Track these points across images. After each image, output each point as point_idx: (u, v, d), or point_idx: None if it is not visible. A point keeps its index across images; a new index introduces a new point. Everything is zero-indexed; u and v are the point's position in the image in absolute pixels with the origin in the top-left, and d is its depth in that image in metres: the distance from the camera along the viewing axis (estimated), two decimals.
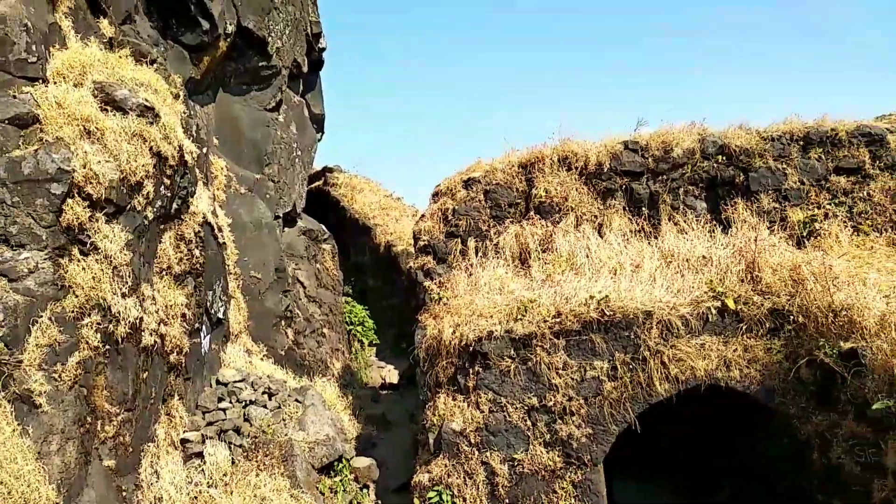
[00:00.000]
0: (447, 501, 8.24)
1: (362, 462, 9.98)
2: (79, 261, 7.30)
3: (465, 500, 8.27)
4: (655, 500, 10.88)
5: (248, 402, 9.52)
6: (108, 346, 7.34)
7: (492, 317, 8.67)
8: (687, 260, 8.87)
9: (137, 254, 8.05)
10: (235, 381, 9.89)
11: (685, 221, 9.96)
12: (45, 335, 6.84)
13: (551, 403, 8.31)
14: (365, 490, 9.88)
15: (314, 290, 14.05)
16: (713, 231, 9.68)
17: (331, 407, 11.38)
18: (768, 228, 9.66)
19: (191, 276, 9.56)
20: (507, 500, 8.26)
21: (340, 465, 9.46)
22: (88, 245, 7.40)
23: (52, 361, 6.85)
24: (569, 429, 8.24)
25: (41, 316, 6.88)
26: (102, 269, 7.44)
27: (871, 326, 6.47)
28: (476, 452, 8.43)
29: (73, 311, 7.13)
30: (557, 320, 8.37)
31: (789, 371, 7.75)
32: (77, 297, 7.19)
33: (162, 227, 9.00)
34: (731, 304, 8.09)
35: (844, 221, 9.61)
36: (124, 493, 7.25)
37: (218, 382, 9.92)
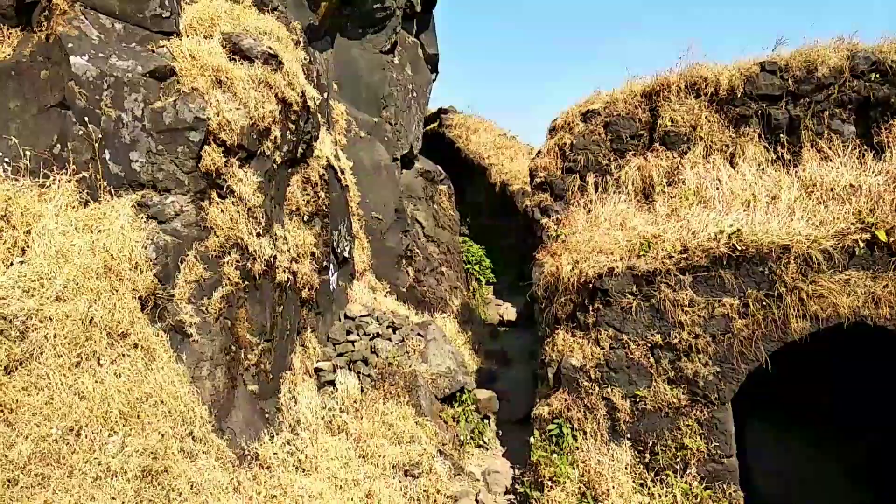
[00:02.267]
0: (567, 434, 8.32)
1: (483, 394, 10.26)
2: (217, 203, 7.85)
3: (585, 433, 8.31)
4: (790, 448, 10.41)
5: (374, 336, 9.98)
6: (247, 282, 7.91)
7: (612, 253, 8.46)
8: (831, 189, 8.14)
9: (268, 196, 8.51)
10: (362, 316, 10.38)
11: (830, 148, 9.10)
12: (192, 272, 7.47)
13: (676, 341, 8.06)
14: (486, 420, 10.18)
15: (432, 230, 14.32)
16: (863, 157, 8.79)
17: (451, 341, 11.71)
18: None
19: (317, 216, 10.02)
20: (628, 435, 8.22)
21: (463, 396, 9.78)
22: (225, 189, 7.92)
23: (199, 296, 7.49)
24: (694, 367, 7.99)
25: (188, 255, 7.50)
26: (238, 211, 7.96)
27: None
28: (596, 388, 8.39)
29: (215, 250, 7.72)
30: (683, 256, 8.02)
31: None
32: (218, 237, 7.76)
33: (289, 170, 9.45)
34: (882, 235, 7.37)
35: None
36: (267, 415, 7.91)
37: (346, 317, 10.46)
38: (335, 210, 10.62)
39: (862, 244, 7.47)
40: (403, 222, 12.87)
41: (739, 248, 7.77)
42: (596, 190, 10.04)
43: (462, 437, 9.33)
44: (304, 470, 7.57)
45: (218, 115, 7.73)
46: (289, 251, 8.76)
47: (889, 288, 7.37)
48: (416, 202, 14.21)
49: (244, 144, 8.03)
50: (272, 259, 8.13)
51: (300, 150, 9.59)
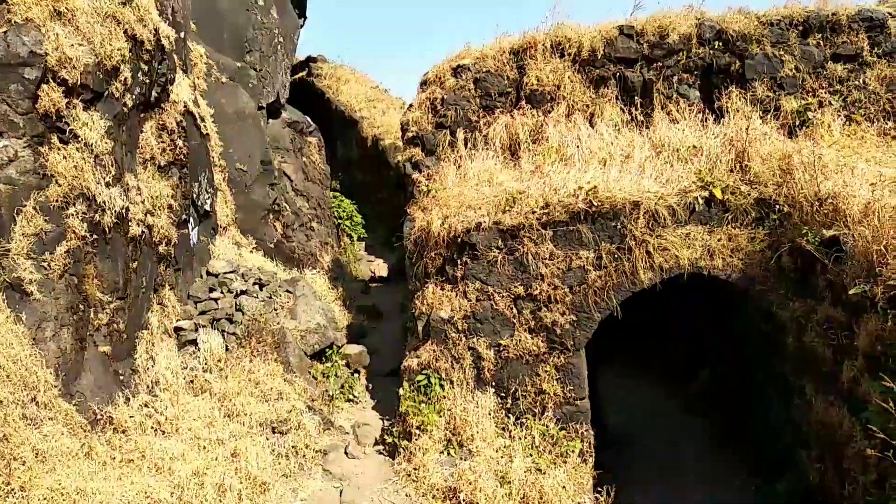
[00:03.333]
0: (435, 384, 8.57)
1: (353, 349, 10.29)
2: (59, 149, 7.16)
3: (452, 382, 8.60)
4: (636, 389, 11.41)
5: (239, 293, 9.65)
6: (95, 236, 7.32)
7: (480, 208, 8.67)
8: (677, 150, 8.80)
9: (119, 143, 7.87)
10: (226, 273, 9.98)
11: (678, 111, 9.80)
12: (30, 224, 6.80)
13: (537, 292, 8.48)
14: (356, 375, 10.25)
15: (301, 184, 13.92)
16: (706, 121, 9.55)
17: (321, 298, 11.58)
18: (761, 118, 9.54)
19: (175, 166, 9.42)
20: (492, 383, 8.60)
21: (331, 352, 9.75)
22: (68, 133, 7.22)
23: (40, 250, 6.85)
24: (553, 316, 8.45)
25: (25, 205, 6.81)
26: (84, 158, 7.30)
27: (855, 214, 6.53)
28: (463, 338, 8.68)
29: (57, 201, 7.06)
30: (545, 211, 8.39)
31: (771, 260, 7.90)
32: (60, 186, 7.10)
33: (142, 115, 8.76)
34: (718, 193, 8.10)
35: (838, 111, 9.49)
36: (122, 377, 7.47)
37: (209, 273, 10.01)
38: (195, 160, 10.02)
39: (701, 201, 8.18)
40: (270, 175, 12.40)
41: (595, 204, 8.24)
42: (466, 146, 10.18)
43: (332, 393, 9.34)
44: (164, 432, 7.26)
45: (57, 50, 6.97)
46: (143, 203, 8.19)
47: (722, 241, 8.14)
48: (283, 154, 13.71)
49: (89, 84, 7.32)
50: (124, 211, 7.56)
51: (154, 93, 8.91)
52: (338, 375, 9.62)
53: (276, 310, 9.75)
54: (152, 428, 7.25)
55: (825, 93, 9.66)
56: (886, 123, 9.58)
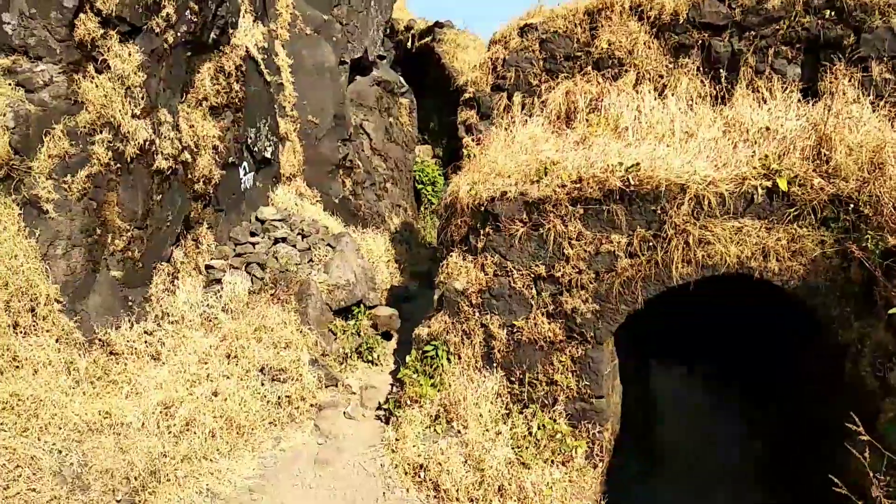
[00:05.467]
0: (442, 356, 8.13)
1: (384, 311, 10.07)
2: (93, 78, 7.46)
3: (460, 357, 8.11)
4: (704, 404, 10.25)
5: (277, 240, 9.73)
6: (119, 165, 7.60)
7: (509, 177, 8.00)
8: (747, 131, 7.53)
9: (156, 78, 8.09)
10: (273, 220, 10.10)
11: (768, 89, 8.40)
12: (56, 146, 7.16)
13: (559, 274, 7.71)
14: (383, 338, 10.02)
15: (381, 143, 13.82)
16: (800, 102, 8.11)
17: (372, 257, 11.46)
18: (872, 103, 7.92)
19: (229, 109, 9.61)
20: (502, 364, 8.01)
21: (358, 311, 9.58)
22: (100, 63, 7.51)
23: (62, 172, 7.21)
24: (574, 302, 7.66)
25: (54, 128, 7.18)
26: (115, 88, 7.57)
27: None
28: (476, 313, 8.13)
29: (85, 127, 7.39)
30: (577, 186, 7.55)
31: (839, 269, 6.57)
32: (89, 113, 7.42)
33: (195, 56, 8.96)
34: (783, 184, 6.83)
35: None
36: (131, 304, 7.76)
37: (256, 219, 10.19)
38: (253, 106, 10.17)
39: (761, 191, 6.94)
40: (343, 130, 12.38)
41: (634, 184, 7.27)
42: (522, 110, 9.46)
43: (347, 351, 9.19)
44: (158, 361, 7.47)
45: None
46: (179, 139, 8.40)
47: (782, 241, 6.89)
48: (366, 112, 13.65)
49: (125, 17, 7.56)
50: (147, 143, 7.78)
51: (211, 35, 9.08)
52: (359, 335, 9.45)
53: (311, 261, 9.74)
54: (149, 355, 7.48)
55: None
56: None
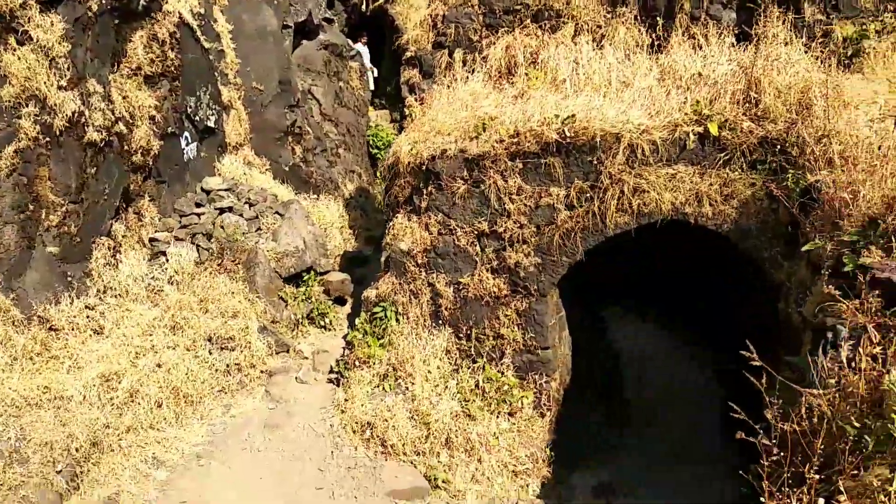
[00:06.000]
0: (391, 317, 8.17)
1: (336, 276, 10.07)
2: (14, 50, 7.22)
3: (408, 317, 8.17)
4: (668, 355, 10.41)
5: (224, 210, 9.62)
6: (48, 138, 7.41)
7: (449, 135, 7.97)
8: (680, 77, 7.56)
9: (83, 47, 7.86)
10: (219, 190, 9.97)
11: (703, 35, 8.41)
12: None
13: (502, 230, 7.76)
14: (335, 303, 10.04)
15: (331, 108, 13.63)
16: (733, 47, 8.14)
17: (324, 224, 11.40)
18: (805, 46, 7.98)
19: (165, 78, 9.38)
20: (449, 321, 8.08)
21: (308, 277, 9.57)
22: (21, 34, 7.27)
23: None
24: (517, 257, 7.73)
25: None
26: (38, 60, 7.34)
27: (834, 156, 5.28)
28: (423, 273, 8.17)
29: (9, 101, 7.18)
30: (514, 141, 7.55)
31: (769, 211, 6.70)
32: (13, 86, 7.20)
33: (124, 23, 8.71)
34: (714, 129, 6.90)
35: None
36: (70, 279, 7.65)
37: (202, 190, 10.05)
38: (191, 73, 9.94)
39: (693, 137, 7.01)
40: (290, 96, 12.18)
41: (569, 136, 7.30)
42: (464, 67, 9.37)
43: (298, 317, 9.19)
44: (101, 335, 7.41)
45: None
46: (111, 110, 8.20)
47: (714, 186, 6.99)
48: (314, 77, 13.42)
49: None
50: (77, 115, 7.58)
51: (140, 2, 8.81)
52: (310, 301, 9.45)
53: (259, 230, 9.66)
54: (91, 330, 7.41)
55: (891, 16, 7.92)
56: None
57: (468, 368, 7.89)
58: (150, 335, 7.53)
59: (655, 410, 9.23)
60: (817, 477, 3.16)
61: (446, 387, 7.54)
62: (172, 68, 9.41)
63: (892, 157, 4.84)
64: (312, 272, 9.68)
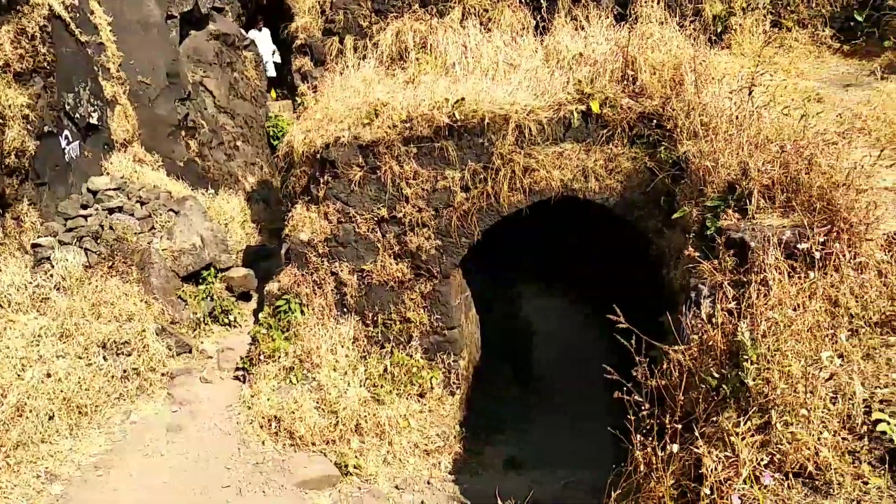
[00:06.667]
0: (295, 309, 8.10)
1: (238, 272, 9.86)
2: None
3: (313, 308, 8.12)
4: (569, 317, 10.79)
5: (113, 210, 9.20)
6: None
7: (342, 122, 7.93)
8: (564, 58, 7.82)
9: None
10: (107, 189, 9.51)
11: (585, 16, 8.71)
12: None
13: (401, 215, 7.82)
14: (245, 299, 9.84)
15: (226, 100, 13.24)
16: (613, 27, 8.47)
17: (225, 219, 11.12)
18: (680, 25, 8.41)
19: (38, 74, 8.85)
20: (355, 309, 8.10)
21: (208, 274, 9.32)
22: None
23: None
24: (418, 241, 7.82)
25: None
26: None
27: (697, 126, 5.64)
28: (325, 263, 8.13)
29: None
30: (407, 125, 7.61)
31: (650, 183, 7.05)
32: None
33: None
34: (595, 107, 7.19)
35: (764, 15, 8.32)
36: None
37: (88, 190, 9.57)
38: (69, 69, 9.41)
39: (577, 116, 7.28)
40: (179, 89, 11.73)
41: (460, 118, 7.42)
42: (355, 53, 9.33)
43: (200, 316, 8.95)
44: None
45: None
46: None
47: (600, 161, 7.29)
48: (206, 68, 12.98)
49: None
50: None
51: None
52: (212, 299, 9.21)
53: (152, 229, 9.31)
54: None
55: None
56: (822, 30, 8.40)
57: (376, 354, 7.95)
58: (37, 345, 7.15)
59: (562, 382, 9.61)
60: (679, 426, 3.41)
61: (354, 374, 7.56)
62: (45, 64, 8.88)
63: (748, 125, 5.20)
64: (213, 269, 9.43)
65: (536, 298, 11.27)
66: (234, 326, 9.32)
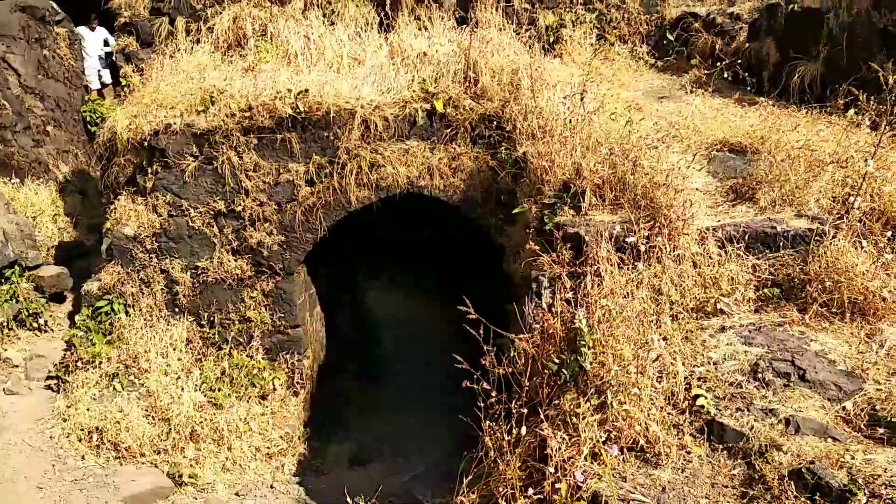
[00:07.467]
0: (119, 310, 7.42)
1: (50, 270, 8.84)
2: None
3: (140, 309, 7.49)
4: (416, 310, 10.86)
5: None
6: None
7: (174, 108, 7.41)
8: (408, 56, 7.90)
9: None
10: None
11: (427, 17, 8.88)
12: None
13: (240, 209, 7.46)
14: (59, 301, 8.84)
15: (34, 80, 11.79)
16: (455, 29, 8.71)
17: (32, 212, 9.93)
18: (516, 32, 8.83)
19: None
20: (189, 309, 7.59)
21: (11, 273, 8.25)
22: None
23: None
24: (259, 236, 7.51)
25: None
26: None
27: (535, 129, 5.99)
28: (154, 259, 7.55)
29: None
30: (247, 115, 7.28)
31: (491, 181, 7.33)
32: None
33: None
34: (439, 106, 7.34)
35: (591, 29, 8.99)
36: None
37: None
38: None
39: (422, 114, 7.38)
40: None
41: (304, 110, 7.23)
42: (188, 36, 8.75)
43: (3, 320, 7.90)
44: None
45: None
46: None
47: (444, 159, 7.44)
48: (9, 42, 11.47)
49: None
50: None
51: None
52: (17, 300, 8.17)
53: None
54: None
55: (582, 9, 9.11)
56: (640, 47, 9.24)
57: (213, 356, 7.52)
58: None
59: (411, 375, 9.72)
60: (525, 411, 3.58)
61: (189, 378, 7.08)
62: None
63: (580, 129, 5.59)
64: (17, 267, 8.36)
65: (385, 293, 11.30)
66: (45, 331, 8.32)
